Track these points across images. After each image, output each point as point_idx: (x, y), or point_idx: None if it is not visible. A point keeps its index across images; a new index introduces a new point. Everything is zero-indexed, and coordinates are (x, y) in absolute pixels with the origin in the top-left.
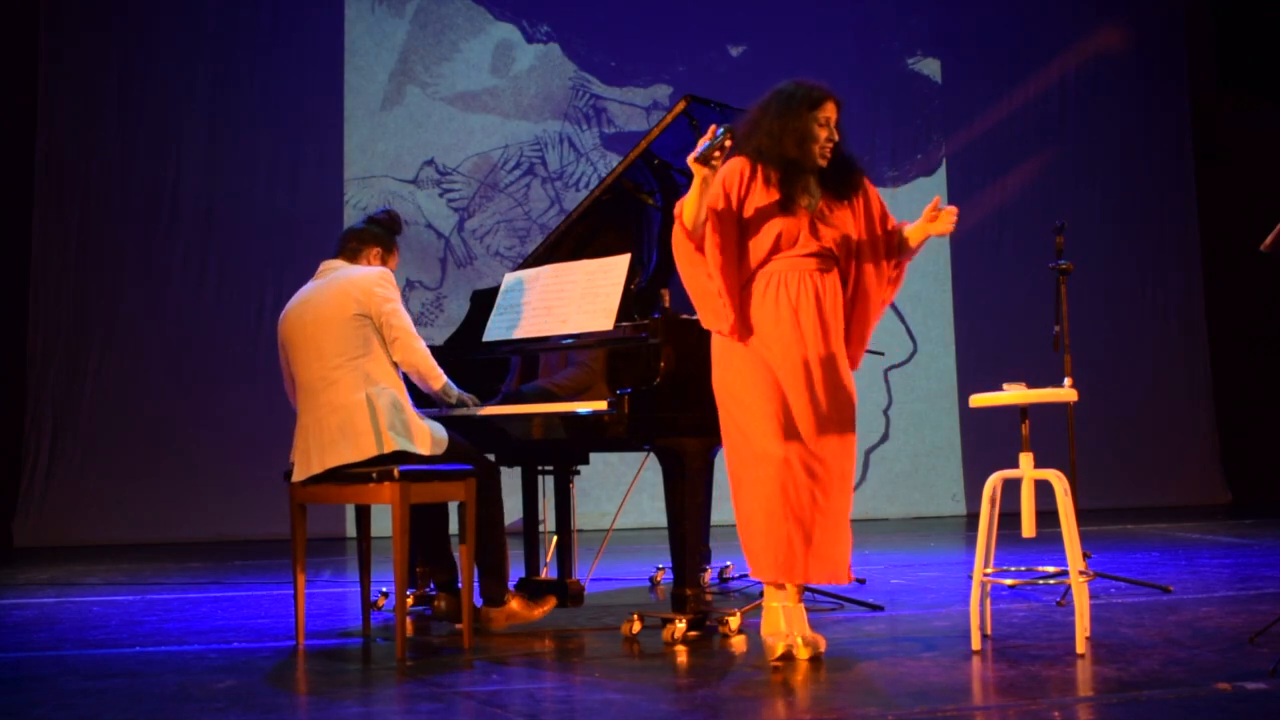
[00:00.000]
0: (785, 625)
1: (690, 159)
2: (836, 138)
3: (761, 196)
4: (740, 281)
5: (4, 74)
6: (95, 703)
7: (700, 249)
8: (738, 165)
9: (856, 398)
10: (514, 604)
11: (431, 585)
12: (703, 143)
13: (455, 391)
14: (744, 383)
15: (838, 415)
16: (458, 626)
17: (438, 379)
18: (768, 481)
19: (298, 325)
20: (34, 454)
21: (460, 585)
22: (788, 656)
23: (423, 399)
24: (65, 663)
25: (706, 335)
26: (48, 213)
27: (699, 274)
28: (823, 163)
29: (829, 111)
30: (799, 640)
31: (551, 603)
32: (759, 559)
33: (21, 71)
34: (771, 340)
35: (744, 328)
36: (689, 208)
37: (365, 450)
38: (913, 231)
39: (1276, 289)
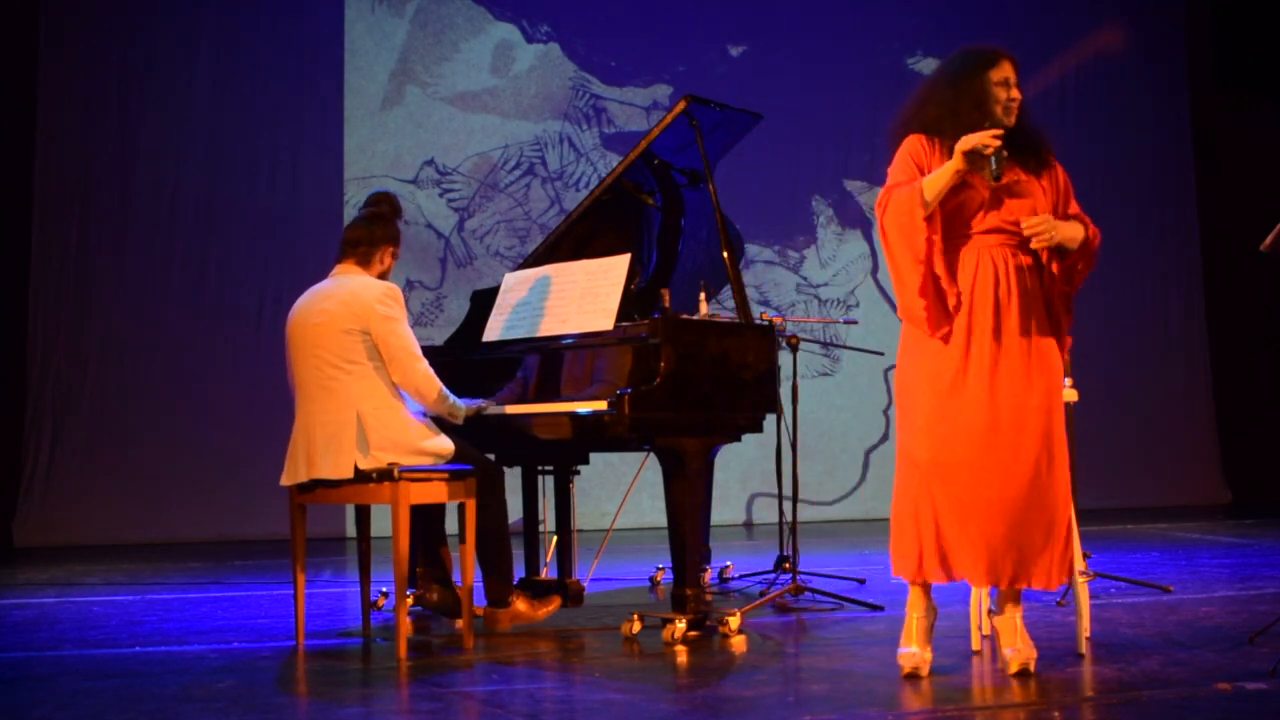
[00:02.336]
0: (917, 643)
1: (960, 147)
2: (1019, 96)
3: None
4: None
5: (4, 74)
6: (95, 703)
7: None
8: (916, 141)
9: (1061, 382)
10: (519, 604)
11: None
12: (978, 142)
13: (462, 409)
14: (917, 377)
15: (1022, 405)
16: (457, 625)
17: (440, 401)
18: (912, 484)
19: (301, 327)
20: (34, 454)
21: (457, 581)
22: (914, 676)
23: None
24: (65, 663)
25: (707, 335)
26: (48, 213)
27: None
28: (1009, 122)
29: (1006, 71)
30: (927, 656)
31: (556, 602)
32: (895, 558)
33: (21, 71)
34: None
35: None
36: (931, 191)
37: (344, 470)
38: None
39: (1276, 289)
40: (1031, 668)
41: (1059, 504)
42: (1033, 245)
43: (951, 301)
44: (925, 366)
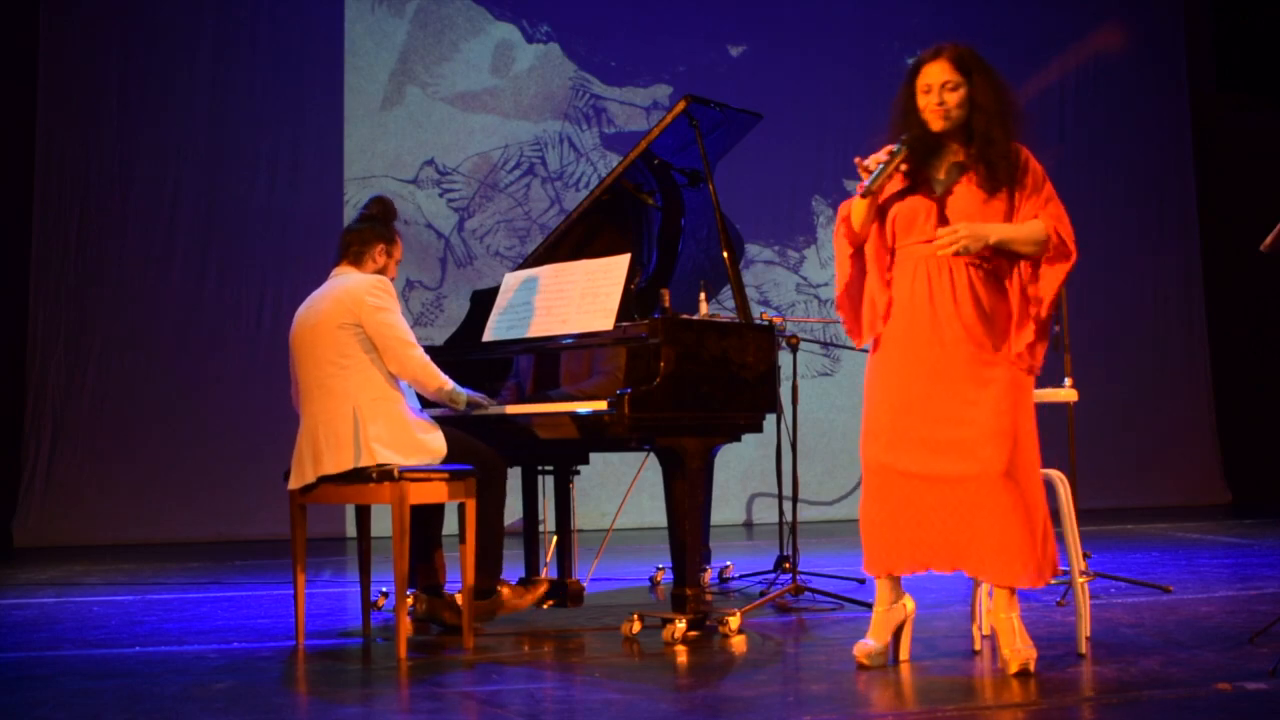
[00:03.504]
0: (873, 635)
1: (860, 193)
2: (944, 99)
3: (895, 183)
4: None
5: (4, 74)
6: (95, 703)
7: (859, 257)
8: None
9: (1023, 382)
10: (504, 591)
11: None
12: (873, 170)
13: (463, 395)
14: (870, 382)
15: (963, 410)
16: (434, 629)
17: (440, 386)
18: (865, 482)
19: (301, 331)
20: (34, 454)
21: (447, 590)
22: (864, 667)
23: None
24: (65, 663)
25: (707, 335)
26: (48, 213)
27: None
28: (938, 126)
29: (930, 76)
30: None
31: (544, 587)
32: (865, 554)
33: (21, 71)
34: (888, 337)
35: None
36: (856, 214)
37: (343, 464)
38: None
39: (1276, 289)
40: (1031, 667)
41: (1034, 503)
42: (938, 253)
43: (880, 313)
44: (876, 371)
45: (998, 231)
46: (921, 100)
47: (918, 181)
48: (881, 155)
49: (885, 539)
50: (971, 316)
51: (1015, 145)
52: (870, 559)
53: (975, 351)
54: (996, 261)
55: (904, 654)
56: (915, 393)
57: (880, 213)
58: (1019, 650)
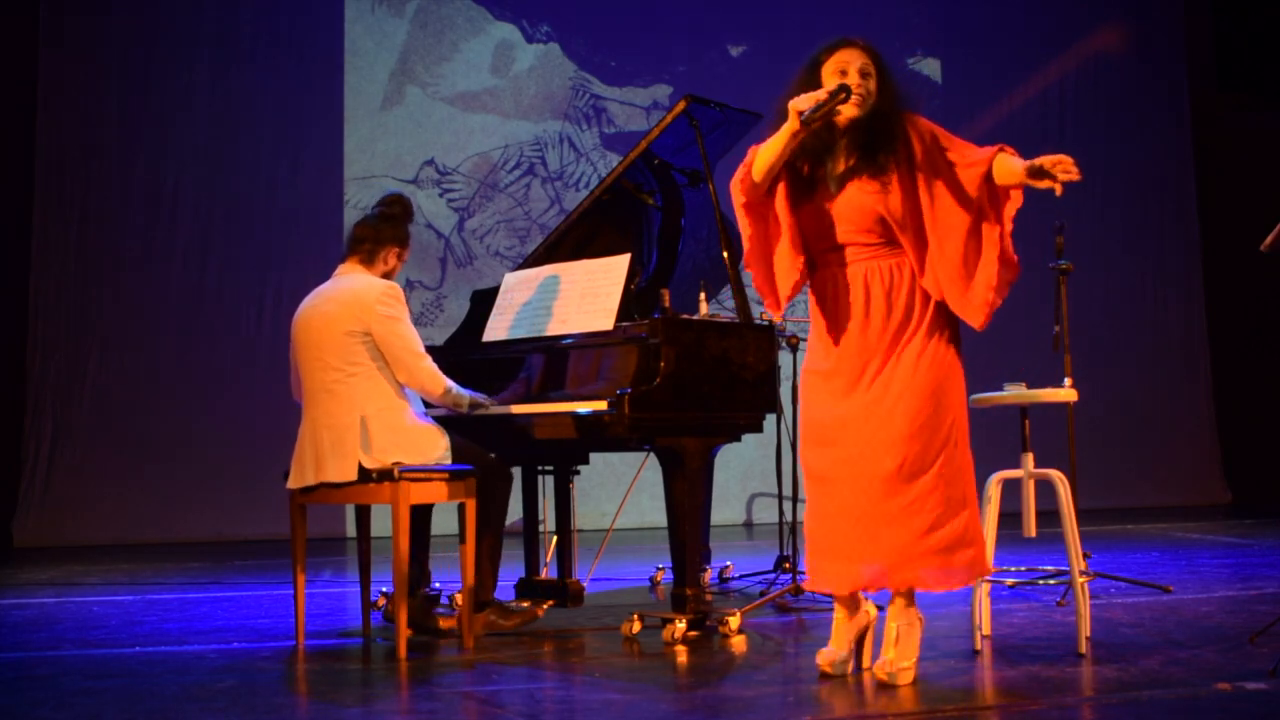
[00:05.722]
0: (834, 642)
1: (793, 106)
2: (864, 83)
3: (800, 186)
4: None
5: (4, 73)
6: (95, 703)
7: (760, 211)
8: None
9: (947, 381)
10: (491, 614)
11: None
12: (814, 101)
13: (466, 397)
14: (803, 388)
15: (880, 409)
16: (445, 625)
17: (445, 395)
18: (807, 490)
19: (305, 329)
20: (34, 454)
21: (433, 589)
22: (826, 675)
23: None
24: (65, 663)
25: (707, 335)
26: (48, 212)
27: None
28: (852, 111)
29: (843, 60)
30: (843, 657)
31: (534, 614)
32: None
33: (21, 70)
34: (812, 347)
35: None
36: (762, 156)
37: (349, 473)
38: (1006, 174)
39: (1276, 289)
40: (899, 680)
41: (937, 505)
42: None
43: (785, 293)
44: (807, 378)
45: (1012, 169)
46: (833, 83)
47: (815, 182)
48: (820, 94)
49: (816, 550)
50: (894, 313)
51: (904, 116)
52: (809, 572)
53: (898, 350)
54: (899, 256)
55: (866, 661)
56: (837, 396)
57: (794, 205)
58: (886, 661)
